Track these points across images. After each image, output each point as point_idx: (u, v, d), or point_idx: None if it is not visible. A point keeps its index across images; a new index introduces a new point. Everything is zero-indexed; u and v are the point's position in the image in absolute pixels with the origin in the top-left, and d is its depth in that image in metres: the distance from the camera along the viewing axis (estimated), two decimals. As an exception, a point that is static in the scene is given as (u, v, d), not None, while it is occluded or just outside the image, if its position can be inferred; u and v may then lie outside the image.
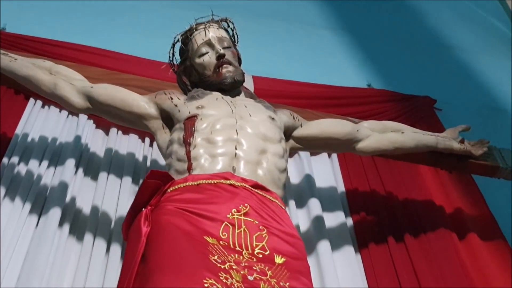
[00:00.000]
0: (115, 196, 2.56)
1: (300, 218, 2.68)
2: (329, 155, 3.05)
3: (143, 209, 1.84)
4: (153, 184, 1.88)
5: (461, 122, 2.74)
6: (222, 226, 1.78)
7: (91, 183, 2.62)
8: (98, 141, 2.80)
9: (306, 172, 2.87)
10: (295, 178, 2.88)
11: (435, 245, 2.64)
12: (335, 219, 2.71)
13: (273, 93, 3.00)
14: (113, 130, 2.84)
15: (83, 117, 2.83)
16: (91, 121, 2.85)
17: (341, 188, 2.90)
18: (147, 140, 2.86)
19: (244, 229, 1.80)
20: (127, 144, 2.81)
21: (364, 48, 3.88)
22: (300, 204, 2.76)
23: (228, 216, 1.82)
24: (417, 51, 3.99)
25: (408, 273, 2.51)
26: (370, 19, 4.18)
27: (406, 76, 3.74)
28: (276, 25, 3.88)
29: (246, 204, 1.87)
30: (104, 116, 2.34)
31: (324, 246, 2.52)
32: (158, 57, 2.58)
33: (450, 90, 3.70)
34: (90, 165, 2.69)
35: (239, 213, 1.84)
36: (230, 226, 1.79)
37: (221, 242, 1.74)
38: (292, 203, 2.70)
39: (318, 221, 2.63)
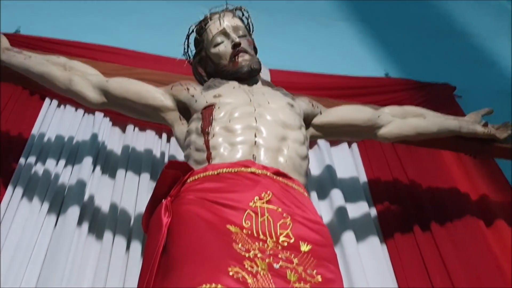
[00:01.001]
0: (133, 194, 2.52)
1: (323, 209, 2.64)
2: (349, 145, 3.00)
3: (163, 200, 1.79)
4: (172, 175, 1.84)
5: (482, 107, 2.67)
6: (245, 215, 1.73)
7: (109, 181, 2.59)
8: (115, 139, 2.78)
9: (326, 163, 2.83)
10: (315, 170, 2.84)
11: (462, 233, 2.57)
12: (358, 209, 2.67)
13: (291, 85, 2.91)
14: (130, 127, 2.81)
15: (99, 115, 2.81)
16: (107, 118, 2.83)
17: (363, 178, 2.86)
18: (164, 135, 2.83)
19: (267, 217, 1.75)
20: (144, 140, 2.78)
21: (381, 37, 3.82)
22: (322, 195, 2.72)
23: (250, 204, 1.77)
24: (433, 38, 3.92)
25: (435, 262, 2.45)
26: (385, 8, 4.11)
27: (423, 63, 3.67)
28: (292, 18, 3.84)
29: (268, 192, 1.82)
30: (120, 110, 2.30)
31: (348, 237, 2.48)
32: (172, 54, 2.55)
33: (468, 76, 3.62)
34: (108, 163, 2.66)
35: (262, 201, 1.79)
36: (253, 214, 1.74)
37: (244, 230, 1.69)
38: (313, 194, 2.66)
39: (341, 212, 2.59)
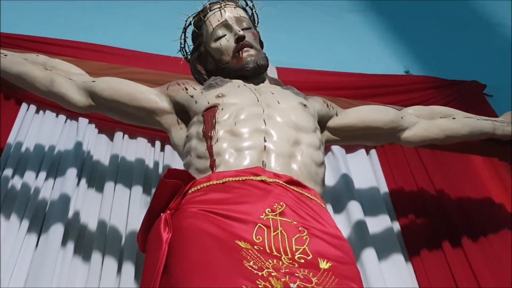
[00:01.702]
0: (124, 209, 2.52)
1: (340, 224, 2.53)
2: (367, 151, 3.01)
3: (162, 214, 1.78)
4: (171, 185, 1.82)
5: (516, 107, 2.69)
6: (256, 229, 1.72)
7: (96, 195, 2.59)
8: (102, 148, 2.78)
9: (342, 171, 2.83)
10: (330, 179, 2.83)
11: (498, 249, 2.58)
12: (379, 223, 2.68)
13: (300, 85, 2.89)
14: (118, 135, 2.81)
15: (83, 121, 2.80)
16: (93, 125, 2.83)
17: (384, 188, 2.86)
18: (158, 143, 2.83)
19: (281, 231, 1.74)
20: (135, 149, 2.78)
21: (399, 30, 3.83)
22: (339, 208, 2.72)
23: (261, 217, 1.76)
24: (459, 30, 3.94)
25: (468, 281, 2.45)
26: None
27: (448, 59, 3.68)
28: (300, 10, 3.86)
29: (281, 203, 1.81)
30: (109, 114, 2.30)
31: (369, 254, 2.48)
32: (168, 51, 2.55)
33: (500, 72, 3.63)
34: (94, 174, 2.65)
35: (274, 213, 1.78)
36: (265, 228, 1.73)
37: (255, 246, 1.68)
38: (329, 207, 2.63)
39: (360, 227, 2.59)
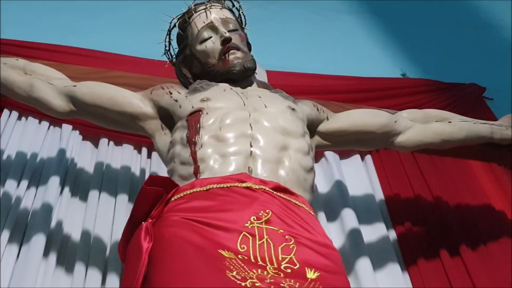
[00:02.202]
0: (109, 218, 2.51)
1: (333, 232, 2.62)
2: (362, 157, 3.00)
3: (143, 222, 1.78)
4: (153, 192, 1.82)
5: (516, 110, 2.69)
6: (240, 237, 1.72)
7: (80, 204, 2.58)
8: (86, 155, 2.77)
9: (336, 178, 2.82)
10: (323, 187, 2.83)
11: (498, 258, 2.57)
12: (374, 232, 2.67)
13: (292, 89, 2.91)
14: (104, 141, 2.81)
15: (67, 127, 2.80)
16: (77, 131, 2.82)
17: (379, 195, 2.85)
18: (144, 150, 2.83)
19: (266, 240, 1.73)
20: (121, 156, 2.77)
21: (395, 31, 3.84)
22: (332, 216, 2.71)
23: (246, 225, 1.76)
24: (458, 31, 3.95)
25: (467, 292, 2.44)
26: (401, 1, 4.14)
27: (446, 61, 3.69)
28: (292, 11, 3.86)
29: (267, 210, 1.81)
30: (92, 120, 2.31)
31: (364, 264, 2.47)
32: (151, 55, 2.55)
33: (500, 75, 3.63)
34: (78, 182, 2.65)
35: (260, 221, 1.77)
36: (250, 237, 1.73)
37: (239, 256, 1.67)
38: (322, 215, 2.65)
39: (354, 236, 2.58)
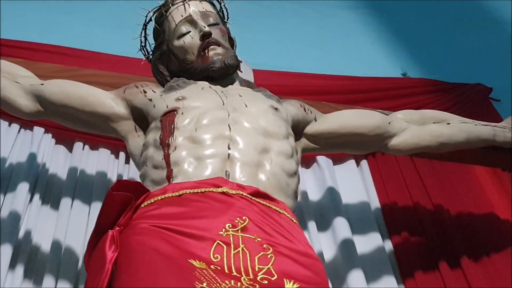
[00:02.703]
0: (82, 228, 2.50)
1: (324, 243, 2.63)
2: (357, 162, 3.00)
3: (109, 230, 1.74)
4: (121, 198, 1.78)
5: (524, 112, 2.67)
6: (214, 246, 1.69)
7: (50, 212, 2.57)
8: (59, 160, 2.76)
9: (328, 184, 2.81)
10: (315, 194, 2.83)
11: (501, 270, 2.56)
12: (369, 242, 2.67)
13: (281, 89, 2.92)
14: (78, 145, 2.80)
15: (39, 130, 2.78)
16: (50, 135, 2.81)
17: (375, 203, 2.84)
18: (122, 155, 2.82)
19: (242, 249, 1.70)
20: (96, 161, 2.77)
21: (395, 28, 3.84)
22: (324, 225, 2.71)
23: (220, 233, 1.72)
24: (462, 28, 3.94)
25: (468, 306, 2.43)
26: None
27: (450, 60, 3.69)
28: (285, 8, 3.86)
29: (244, 217, 1.77)
30: (61, 121, 2.29)
31: (357, 277, 2.47)
32: (126, 52, 2.53)
33: (508, 75, 3.60)
34: (50, 189, 2.64)
35: (235, 229, 1.74)
36: (224, 246, 1.69)
37: (212, 266, 1.64)
38: (312, 225, 2.65)
39: (347, 246, 2.58)
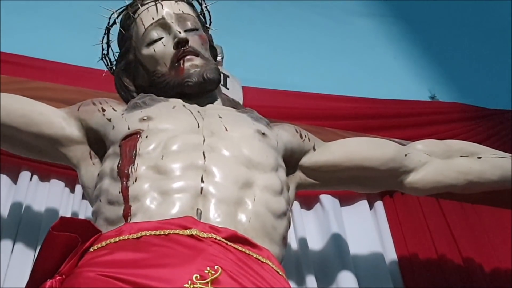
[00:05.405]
0: (25, 275, 2.47)
1: None
2: (370, 204, 3.02)
3: (48, 280, 1.74)
4: (64, 240, 1.78)
5: None
6: (177, 303, 1.68)
7: (-13, 256, 2.57)
8: (1, 192, 2.76)
9: (333, 230, 2.83)
10: (316, 242, 2.85)
11: None
12: None
13: (277, 111, 2.94)
14: (25, 175, 2.81)
15: (-24, 158, 2.80)
16: (-10, 162, 2.83)
17: (391, 254, 2.86)
18: (79, 188, 2.80)
19: (212, 307, 1.70)
20: (47, 195, 2.79)
21: (424, 43, 3.86)
22: (326, 281, 2.72)
23: (186, 285, 1.69)
24: (499, 46, 3.95)
25: None
26: (431, 2, 4.14)
27: (487, 82, 3.72)
28: (289, 13, 3.89)
29: (216, 267, 1.74)
30: (1, 145, 2.27)
31: None
32: (84, 61, 2.53)
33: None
34: (-13, 228, 2.64)
35: (204, 281, 1.71)
36: (190, 303, 1.69)
37: (173, 328, 1.63)
38: (311, 280, 2.66)
39: None
